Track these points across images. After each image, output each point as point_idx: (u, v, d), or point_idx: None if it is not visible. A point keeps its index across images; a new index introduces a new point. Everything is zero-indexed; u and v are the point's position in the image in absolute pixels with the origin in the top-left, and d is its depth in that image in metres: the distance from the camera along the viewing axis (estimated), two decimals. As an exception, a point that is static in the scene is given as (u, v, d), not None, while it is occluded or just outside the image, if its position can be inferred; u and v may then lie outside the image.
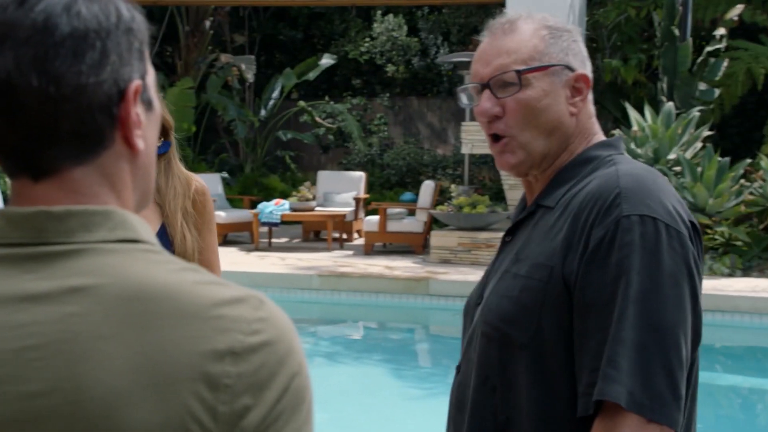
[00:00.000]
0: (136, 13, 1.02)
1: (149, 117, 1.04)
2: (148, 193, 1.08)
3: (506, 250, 1.79)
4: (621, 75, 12.36)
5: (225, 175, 13.79)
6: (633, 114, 11.07)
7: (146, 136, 1.04)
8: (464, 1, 13.74)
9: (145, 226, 1.03)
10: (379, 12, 16.11)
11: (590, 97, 1.75)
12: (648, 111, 10.99)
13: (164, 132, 2.85)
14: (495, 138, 1.75)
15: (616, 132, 11.09)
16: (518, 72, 1.69)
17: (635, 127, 10.89)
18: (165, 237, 2.81)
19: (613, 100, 12.68)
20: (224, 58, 14.81)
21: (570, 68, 1.72)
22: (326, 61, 15.54)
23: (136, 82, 1.00)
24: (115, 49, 0.99)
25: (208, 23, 15.60)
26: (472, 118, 12.84)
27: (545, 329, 1.63)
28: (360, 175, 13.37)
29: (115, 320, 0.94)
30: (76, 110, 0.97)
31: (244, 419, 0.93)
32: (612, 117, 12.85)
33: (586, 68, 1.74)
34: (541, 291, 1.63)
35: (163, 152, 2.87)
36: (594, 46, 13.24)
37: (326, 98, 16.25)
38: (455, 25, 16.14)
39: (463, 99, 1.82)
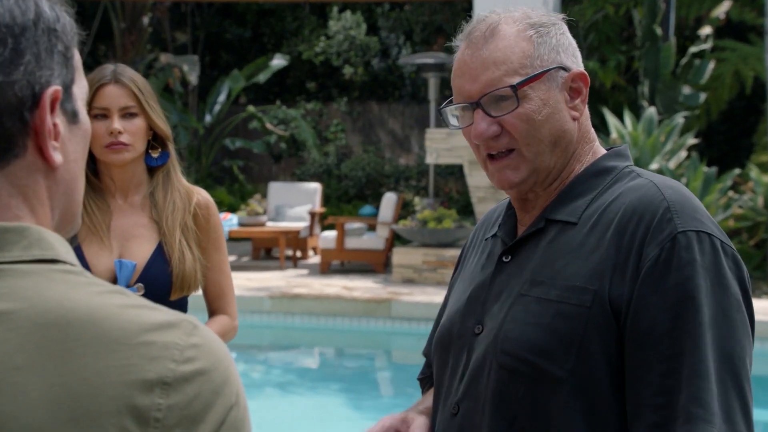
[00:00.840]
0: (62, 14, 1.00)
1: (73, 130, 1.02)
2: (71, 214, 1.06)
3: (507, 271, 1.71)
4: (599, 78, 12.48)
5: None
6: (612, 120, 11.17)
7: (68, 150, 1.02)
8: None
9: (65, 245, 1.01)
10: (335, 8, 16.15)
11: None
12: (628, 117, 11.09)
13: (162, 143, 2.86)
14: (491, 157, 1.69)
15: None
16: (513, 87, 1.63)
17: (614, 135, 10.99)
18: (161, 256, 2.79)
19: (590, 104, 12.75)
20: (164, 58, 14.76)
21: (564, 68, 1.68)
22: (278, 62, 15.54)
23: (53, 88, 0.98)
24: (30, 49, 0.97)
25: (146, 20, 15.55)
26: (438, 125, 12.89)
27: (587, 360, 1.57)
28: (315, 187, 13.38)
29: (30, 349, 0.92)
30: None
31: None
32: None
33: (578, 62, 1.71)
34: (581, 317, 1.57)
35: (161, 164, 2.87)
36: (569, 46, 13.36)
37: (278, 103, 16.25)
38: (418, 23, 16.22)
39: (451, 121, 1.74)
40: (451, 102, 1.71)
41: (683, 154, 10.89)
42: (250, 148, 15.51)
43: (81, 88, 1.04)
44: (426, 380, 2.02)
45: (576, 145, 1.71)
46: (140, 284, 2.74)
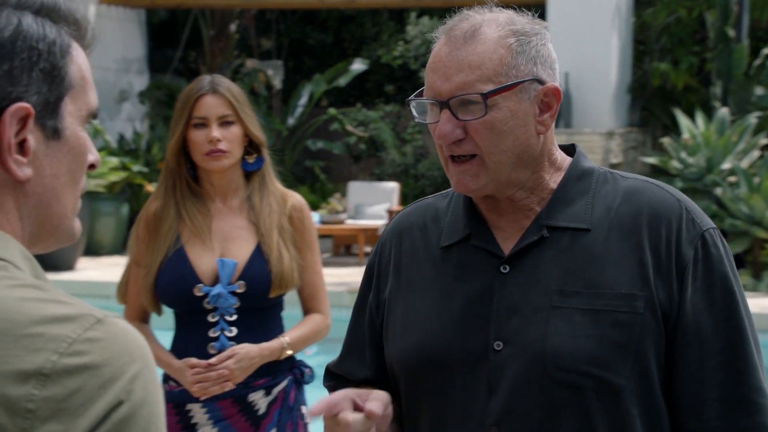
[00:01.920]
0: (52, 34, 1.00)
1: (52, 146, 1.01)
2: (51, 226, 1.05)
3: (513, 283, 1.62)
4: (671, 79, 12.26)
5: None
6: (684, 121, 10.98)
7: (42, 166, 1.01)
8: (503, 1, 13.72)
9: (6, 242, 1.00)
10: (413, 14, 16.11)
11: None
12: (700, 117, 10.90)
13: (256, 148, 2.91)
14: (454, 158, 1.62)
15: (665, 140, 11.00)
16: (483, 95, 1.56)
17: (686, 135, 10.79)
18: (261, 257, 2.83)
19: (661, 106, 12.58)
20: (250, 63, 14.88)
21: (539, 81, 1.60)
22: (358, 66, 15.55)
23: (19, 105, 0.97)
24: (5, 65, 0.96)
25: (233, 27, 15.68)
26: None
27: (642, 365, 1.56)
28: (393, 186, 13.36)
29: None
30: None
31: None
32: (660, 124, 12.74)
33: (555, 75, 1.63)
34: (636, 324, 1.56)
35: (256, 168, 2.92)
36: (642, 48, 13.14)
37: (358, 105, 16.26)
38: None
39: (414, 113, 1.67)
40: (420, 94, 1.63)
41: (756, 153, 10.67)
42: (330, 149, 15.55)
43: (81, 106, 1.03)
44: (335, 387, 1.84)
45: (540, 158, 1.64)
46: (241, 282, 2.78)
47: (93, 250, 11.72)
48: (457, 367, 1.63)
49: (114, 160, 11.39)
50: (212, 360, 2.78)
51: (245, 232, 2.88)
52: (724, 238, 1.63)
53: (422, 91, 1.64)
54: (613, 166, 11.46)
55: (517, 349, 1.59)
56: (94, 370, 0.90)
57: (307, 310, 2.99)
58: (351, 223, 12.51)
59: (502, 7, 1.67)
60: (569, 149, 1.73)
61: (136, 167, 11.96)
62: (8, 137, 0.98)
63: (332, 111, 15.45)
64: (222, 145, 2.82)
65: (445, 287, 1.67)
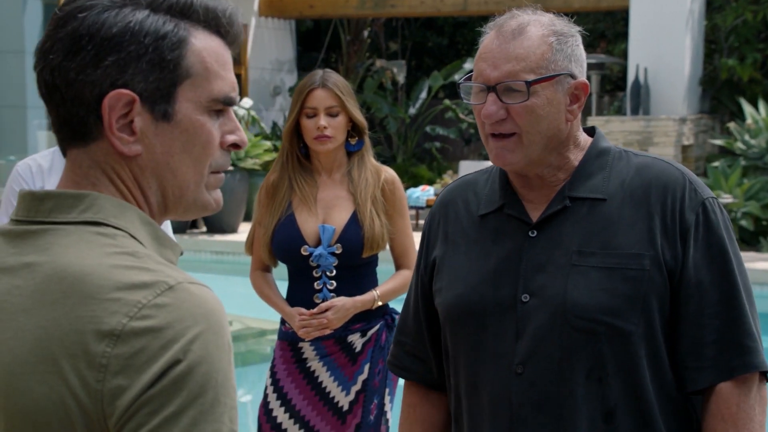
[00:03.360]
0: (165, 28, 0.95)
1: (162, 127, 0.97)
2: (175, 196, 1.00)
3: (539, 245, 1.61)
4: (737, 73, 11.80)
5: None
6: (748, 108, 10.58)
7: (152, 144, 0.97)
8: (592, 8, 13.42)
9: (125, 210, 0.96)
10: (516, 20, 15.90)
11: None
12: (762, 105, 10.50)
13: (358, 132, 2.92)
14: (494, 135, 1.60)
15: (731, 125, 10.64)
16: (527, 83, 1.55)
17: (749, 120, 10.41)
18: (356, 222, 2.85)
19: (729, 95, 12.13)
20: (379, 63, 14.94)
21: (572, 76, 1.59)
22: (469, 64, 15.38)
23: (120, 91, 0.94)
24: (111, 56, 0.93)
25: (366, 33, 15.76)
26: (599, 113, 12.55)
27: (648, 314, 1.55)
28: (497, 165, 13.27)
29: (36, 295, 0.90)
30: (67, 100, 0.95)
31: (118, 399, 0.86)
32: (728, 111, 12.30)
33: (584, 73, 1.61)
34: (643, 279, 1.54)
35: (357, 149, 2.93)
36: (713, 47, 12.69)
37: (468, 97, 16.16)
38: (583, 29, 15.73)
39: (462, 94, 1.65)
40: (469, 79, 1.61)
41: (811, 137, 10.20)
42: (446, 134, 15.51)
43: (202, 93, 0.97)
44: (412, 372, 1.81)
45: (566, 142, 1.62)
46: (338, 244, 2.83)
47: (251, 215, 11.91)
48: (491, 315, 1.62)
49: (268, 143, 11.62)
50: (314, 310, 2.82)
51: (344, 201, 2.89)
52: (722, 206, 1.60)
53: (471, 76, 1.62)
54: (685, 147, 11.15)
55: (541, 301, 1.58)
56: (156, 332, 0.87)
57: (398, 266, 2.98)
58: (461, 195, 12.48)
59: (568, 15, 1.66)
60: (590, 131, 1.70)
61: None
62: (107, 117, 0.94)
63: (447, 102, 15.39)
64: (328, 132, 2.82)
65: (483, 248, 1.66)
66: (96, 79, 0.94)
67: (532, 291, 1.59)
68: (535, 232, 1.62)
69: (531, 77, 1.55)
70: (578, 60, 1.61)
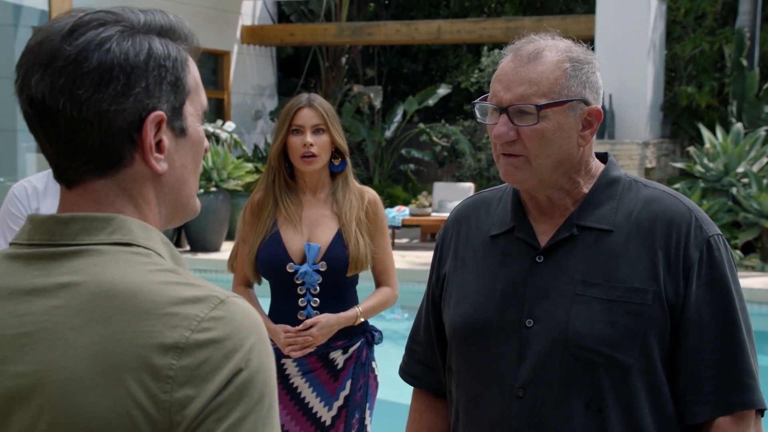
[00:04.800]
0: (173, 50, 0.98)
1: (180, 143, 1.00)
2: (181, 206, 1.03)
3: (544, 271, 1.57)
4: (696, 100, 11.94)
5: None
6: (706, 134, 10.69)
7: (174, 159, 1.00)
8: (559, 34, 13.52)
9: (149, 232, 0.98)
10: (485, 47, 16.00)
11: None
12: (719, 131, 10.60)
13: (341, 154, 2.90)
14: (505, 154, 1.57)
15: (691, 149, 10.74)
16: (538, 107, 1.52)
17: (708, 145, 10.53)
18: (341, 241, 2.82)
19: (688, 121, 12.26)
20: (356, 88, 14.97)
21: (586, 102, 1.55)
22: (442, 90, 15.51)
23: (155, 113, 0.96)
24: (139, 83, 0.95)
25: (344, 59, 15.79)
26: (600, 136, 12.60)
27: (648, 348, 1.51)
28: (470, 186, 13.31)
29: (85, 313, 0.90)
30: (97, 132, 0.94)
31: (186, 408, 0.87)
32: (688, 136, 12.42)
33: (599, 99, 1.58)
34: (644, 314, 1.50)
35: (340, 170, 2.91)
36: (672, 75, 12.83)
37: (442, 121, 16.22)
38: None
39: (477, 113, 1.63)
40: (485, 99, 1.59)
41: (765, 160, 10.35)
42: (420, 156, 15.54)
43: (197, 106, 1.01)
44: (420, 380, 1.80)
45: (578, 166, 1.58)
46: (323, 262, 2.80)
47: (233, 235, 11.91)
48: (495, 337, 1.59)
49: (249, 165, 11.59)
50: (300, 326, 2.80)
51: (329, 220, 2.87)
52: (727, 243, 1.56)
53: (486, 96, 1.60)
54: (648, 169, 11.23)
55: (544, 327, 1.54)
56: (218, 343, 0.88)
57: (378, 284, 2.97)
58: (435, 215, 12.50)
59: (573, 39, 1.62)
60: (603, 157, 1.66)
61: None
62: (149, 139, 0.96)
63: (422, 126, 15.44)
64: (314, 149, 2.81)
65: (491, 270, 1.63)
66: (129, 107, 0.95)
67: (535, 316, 1.56)
68: (542, 258, 1.58)
69: (542, 101, 1.52)
70: (593, 87, 1.56)
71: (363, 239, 2.84)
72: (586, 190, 1.60)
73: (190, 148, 1.01)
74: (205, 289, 0.92)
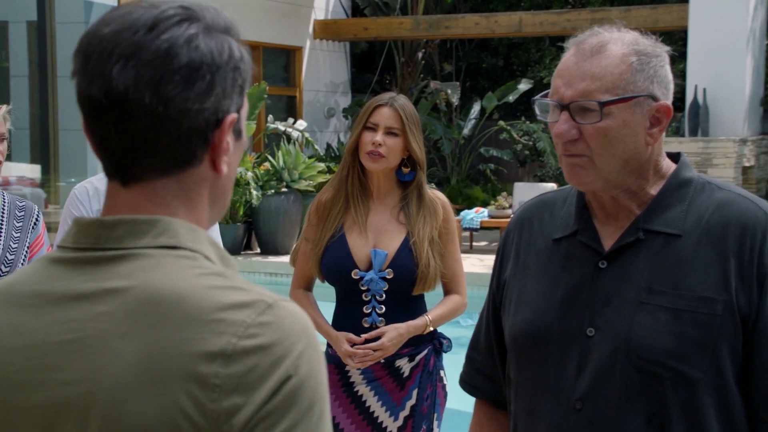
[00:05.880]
0: (244, 54, 1.01)
1: (236, 145, 1.02)
2: (224, 205, 1.06)
3: (608, 277, 1.55)
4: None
5: (433, 186, 13.83)
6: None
7: (231, 162, 1.02)
8: (650, 28, 13.26)
9: (193, 232, 0.98)
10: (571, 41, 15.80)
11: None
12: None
13: (413, 164, 2.88)
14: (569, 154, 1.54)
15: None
16: (601, 103, 1.49)
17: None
18: (408, 250, 2.82)
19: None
20: (433, 84, 14.95)
21: (654, 98, 1.51)
22: (524, 85, 15.39)
23: (232, 115, 0.99)
24: (221, 83, 0.97)
25: (420, 54, 15.80)
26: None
27: (718, 362, 1.47)
28: (551, 186, 13.14)
29: (132, 320, 0.91)
30: (176, 130, 0.96)
31: (234, 417, 0.88)
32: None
33: (668, 95, 1.53)
34: (713, 325, 1.46)
35: (408, 179, 2.89)
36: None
37: (523, 118, 16.09)
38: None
39: (537, 111, 1.60)
40: (546, 95, 1.56)
41: None
42: (500, 155, 15.45)
43: (245, 111, 1.04)
44: (481, 390, 1.80)
45: (646, 166, 1.54)
46: (390, 269, 2.80)
47: (305, 237, 12.01)
48: (555, 345, 1.58)
49: (321, 165, 11.69)
50: (367, 336, 2.79)
51: (395, 226, 2.86)
52: None
53: (548, 93, 1.57)
54: (746, 168, 10.93)
55: (605, 336, 1.52)
56: (266, 350, 0.89)
57: (447, 291, 2.96)
58: (515, 217, 12.39)
59: (647, 33, 1.59)
60: (675, 157, 1.62)
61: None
62: (225, 142, 0.99)
63: (502, 123, 15.35)
64: (382, 150, 2.79)
65: (553, 275, 1.61)
66: (209, 107, 0.97)
67: (597, 325, 1.54)
68: (605, 263, 1.56)
69: (605, 97, 1.49)
70: (662, 81, 1.53)
71: (434, 260, 2.83)
72: (654, 192, 1.57)
73: (239, 150, 1.03)
74: (253, 293, 0.93)
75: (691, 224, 1.52)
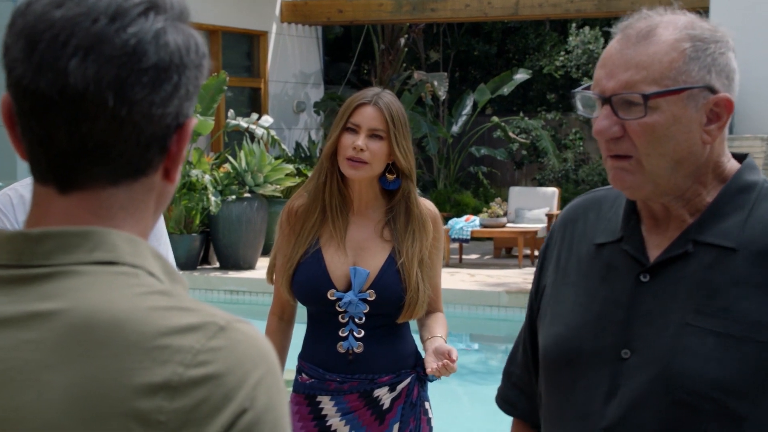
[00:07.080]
0: (204, 49, 1.00)
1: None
2: (157, 218, 1.05)
3: (651, 293, 1.53)
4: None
5: (419, 192, 13.84)
6: None
7: (178, 170, 1.01)
8: (666, 3, 13.35)
9: (137, 246, 0.97)
10: (573, 25, 15.88)
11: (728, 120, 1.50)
12: None
13: (397, 170, 2.84)
14: (614, 155, 1.52)
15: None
16: (645, 96, 1.45)
17: None
18: (393, 270, 2.81)
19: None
20: (417, 75, 14.97)
21: (711, 90, 1.47)
22: (520, 75, 15.44)
23: (192, 120, 0.99)
24: (185, 84, 0.97)
25: (402, 41, 15.83)
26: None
27: None
28: (553, 191, 13.20)
29: (62, 349, 0.89)
30: (136, 136, 0.95)
31: None
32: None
33: (731, 86, 1.49)
34: None
35: (392, 188, 2.86)
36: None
37: (520, 114, 16.15)
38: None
39: (578, 105, 1.57)
40: (588, 88, 1.53)
41: None
42: (494, 156, 15.50)
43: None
44: (518, 408, 1.81)
45: (704, 168, 1.51)
46: (371, 290, 2.78)
47: (270, 249, 11.99)
48: (585, 365, 1.57)
49: (290, 167, 11.67)
50: (447, 353, 2.72)
51: (378, 243, 2.84)
52: None
53: (589, 85, 1.54)
54: (774, 171, 11.01)
55: (643, 361, 1.50)
56: (218, 380, 0.89)
57: (431, 310, 2.94)
58: (511, 226, 12.42)
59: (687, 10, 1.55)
60: (742, 158, 1.58)
61: (310, 173, 12.19)
62: (184, 149, 1.00)
63: (495, 119, 15.40)
64: (364, 156, 2.76)
65: (591, 285, 1.60)
66: (171, 111, 0.96)
67: (634, 347, 1.52)
68: (648, 277, 1.54)
69: (652, 89, 1.46)
70: (722, 71, 1.49)
71: (423, 285, 2.81)
72: (709, 198, 1.53)
73: (183, 158, 1.04)
74: (202, 314, 0.92)
75: (750, 236, 1.49)
